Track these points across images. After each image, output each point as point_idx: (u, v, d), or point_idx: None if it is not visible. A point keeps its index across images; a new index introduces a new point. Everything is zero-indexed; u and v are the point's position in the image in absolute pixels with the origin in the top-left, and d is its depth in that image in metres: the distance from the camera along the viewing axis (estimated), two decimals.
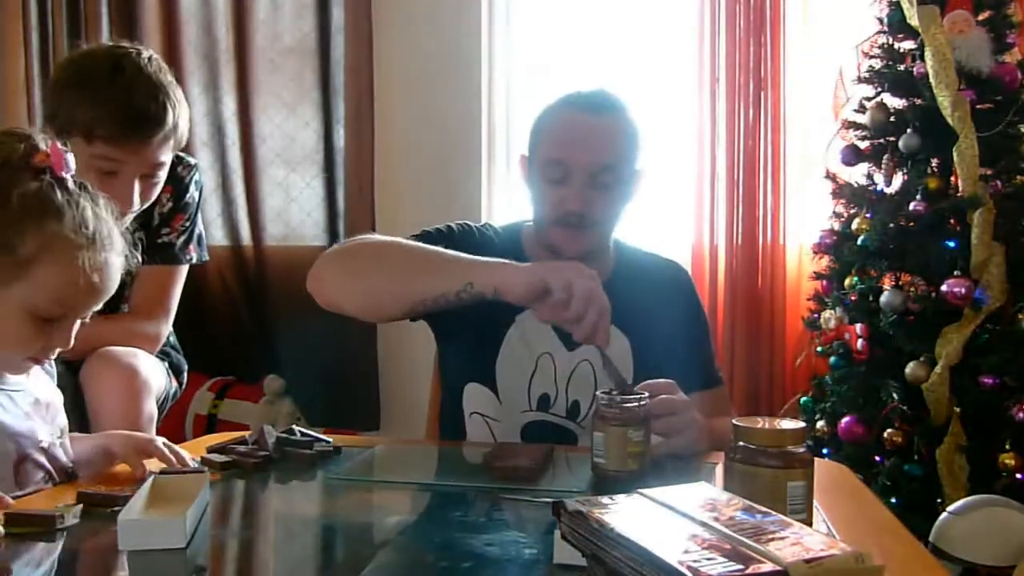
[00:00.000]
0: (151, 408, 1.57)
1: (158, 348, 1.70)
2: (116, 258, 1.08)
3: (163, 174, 1.55)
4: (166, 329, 1.70)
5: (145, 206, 1.57)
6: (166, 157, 1.52)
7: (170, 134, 1.49)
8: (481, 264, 1.22)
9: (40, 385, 1.15)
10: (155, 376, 1.61)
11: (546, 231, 1.43)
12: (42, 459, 1.10)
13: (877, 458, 2.13)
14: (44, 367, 1.17)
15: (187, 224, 1.73)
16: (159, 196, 1.63)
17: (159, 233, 1.70)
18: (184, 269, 1.75)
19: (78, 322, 1.08)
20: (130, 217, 1.32)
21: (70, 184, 1.05)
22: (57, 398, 1.18)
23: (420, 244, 1.32)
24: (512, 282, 1.18)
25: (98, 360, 1.53)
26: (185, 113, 1.53)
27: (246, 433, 1.28)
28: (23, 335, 1.04)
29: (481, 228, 1.50)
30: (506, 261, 1.22)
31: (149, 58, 1.51)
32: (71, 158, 1.07)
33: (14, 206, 1.00)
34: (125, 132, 1.44)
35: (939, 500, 2.02)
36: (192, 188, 1.71)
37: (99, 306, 1.09)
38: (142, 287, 1.68)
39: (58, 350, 1.08)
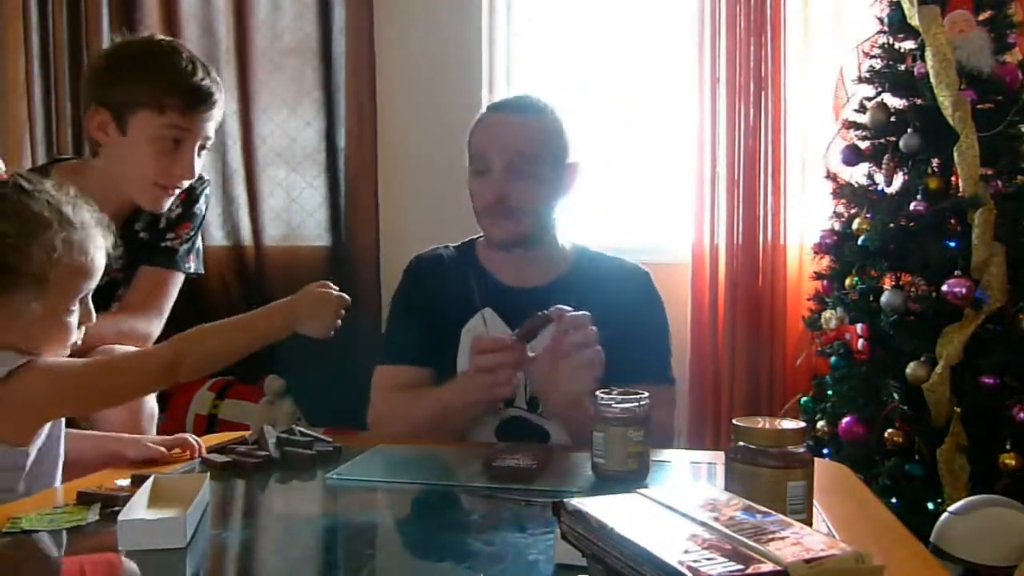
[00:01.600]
0: (152, 406, 1.58)
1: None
2: (97, 232, 1.17)
3: (209, 144, 1.65)
4: (157, 330, 1.73)
5: (195, 177, 1.65)
6: (213, 131, 1.63)
7: (222, 107, 1.62)
8: (461, 398, 1.40)
9: None
10: None
11: (480, 223, 1.54)
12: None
13: (877, 458, 2.12)
14: None
15: (191, 233, 1.77)
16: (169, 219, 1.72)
17: (164, 237, 1.74)
18: (180, 277, 1.78)
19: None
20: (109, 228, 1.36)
21: (25, 184, 1.12)
22: None
23: (428, 406, 1.45)
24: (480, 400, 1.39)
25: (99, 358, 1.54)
26: (224, 92, 1.64)
27: (246, 433, 1.28)
28: (63, 328, 1.14)
29: (427, 256, 1.62)
30: (460, 381, 1.41)
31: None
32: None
33: None
34: (194, 102, 1.56)
35: (939, 500, 2.01)
36: (202, 200, 1.78)
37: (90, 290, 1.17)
38: (139, 286, 1.71)
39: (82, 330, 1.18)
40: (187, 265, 1.78)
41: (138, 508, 0.91)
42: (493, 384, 1.32)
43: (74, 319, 1.16)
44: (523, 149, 1.47)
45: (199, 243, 1.82)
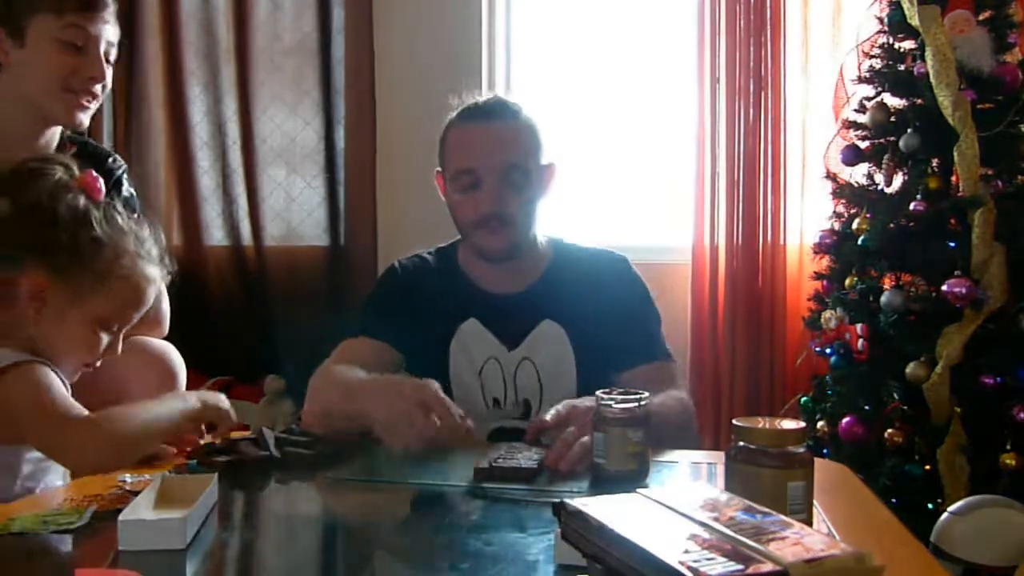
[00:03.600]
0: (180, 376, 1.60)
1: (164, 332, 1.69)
2: (158, 270, 1.20)
3: (113, 57, 1.58)
4: (167, 317, 1.69)
5: (102, 100, 1.58)
6: (116, 38, 1.56)
7: (116, 21, 1.56)
8: (364, 401, 1.31)
9: None
10: (183, 365, 1.64)
11: (470, 237, 1.51)
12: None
13: (877, 458, 2.12)
14: None
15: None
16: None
17: None
18: None
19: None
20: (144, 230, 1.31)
21: (118, 205, 1.16)
22: None
23: (343, 385, 1.39)
24: (373, 409, 1.28)
25: (132, 349, 1.54)
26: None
27: (244, 433, 1.28)
28: (92, 344, 1.14)
29: (408, 263, 1.60)
30: (378, 391, 1.31)
31: None
32: (100, 180, 1.17)
33: (64, 218, 1.10)
34: (90, 3, 1.50)
35: (940, 500, 2.01)
36: (125, 183, 1.70)
37: (140, 315, 1.19)
38: None
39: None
40: None
41: (142, 508, 0.91)
42: (393, 431, 1.23)
43: (101, 344, 1.15)
44: (513, 160, 1.46)
45: None
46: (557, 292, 1.50)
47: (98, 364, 1.18)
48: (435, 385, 1.25)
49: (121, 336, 1.17)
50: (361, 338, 1.52)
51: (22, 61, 1.50)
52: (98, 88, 1.54)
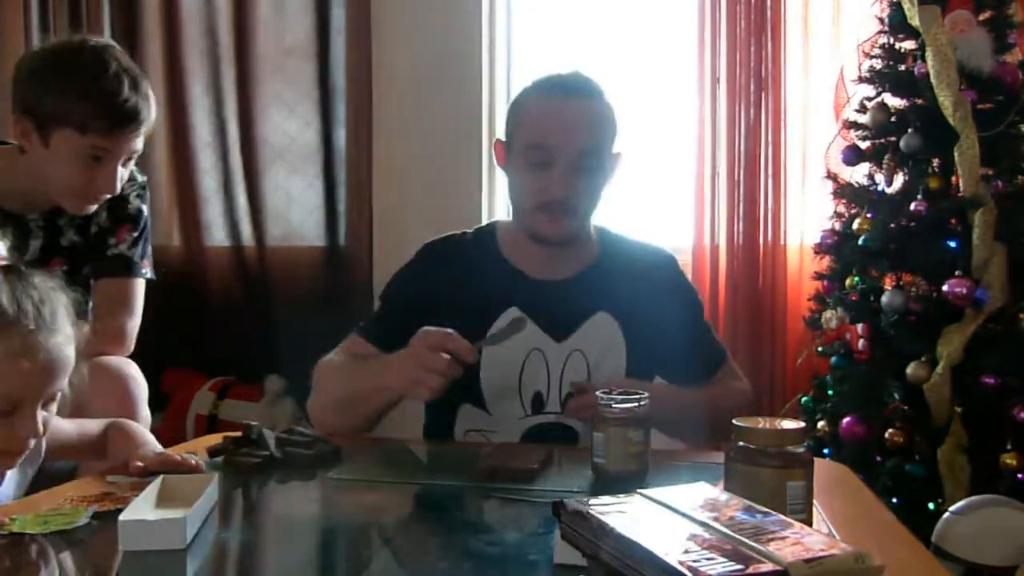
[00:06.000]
0: (146, 413, 1.57)
1: (127, 350, 1.69)
2: (58, 335, 1.02)
3: (132, 161, 1.62)
4: (130, 343, 1.69)
5: (118, 191, 1.61)
6: (142, 144, 1.59)
7: (149, 124, 1.58)
8: (379, 376, 1.31)
9: None
10: (144, 382, 1.63)
11: (527, 218, 1.42)
12: None
13: (878, 458, 2.12)
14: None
15: (135, 235, 1.73)
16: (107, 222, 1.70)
17: (106, 243, 1.71)
18: (141, 284, 1.74)
19: (48, 405, 1.04)
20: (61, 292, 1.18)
21: (24, 272, 1.02)
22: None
23: (347, 372, 1.40)
24: (389, 377, 1.28)
25: (92, 369, 1.52)
26: (154, 103, 1.61)
27: (237, 434, 1.27)
28: None
29: (442, 245, 1.51)
30: (389, 359, 1.30)
31: (120, 52, 1.59)
32: (0, 246, 1.08)
33: None
34: (117, 125, 1.52)
35: (940, 500, 2.01)
36: (134, 202, 1.73)
37: (60, 385, 1.04)
38: (103, 298, 1.68)
39: (31, 440, 1.03)
40: (143, 270, 1.74)
41: (143, 508, 0.91)
42: (416, 381, 1.22)
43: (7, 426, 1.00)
44: (590, 143, 1.37)
45: (149, 248, 1.78)
46: (610, 283, 1.42)
47: (26, 448, 1.03)
48: (431, 329, 1.24)
49: (37, 414, 1.01)
50: (360, 340, 1.47)
51: (43, 157, 1.54)
52: (106, 196, 1.59)
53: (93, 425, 1.26)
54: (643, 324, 1.42)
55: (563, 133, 1.36)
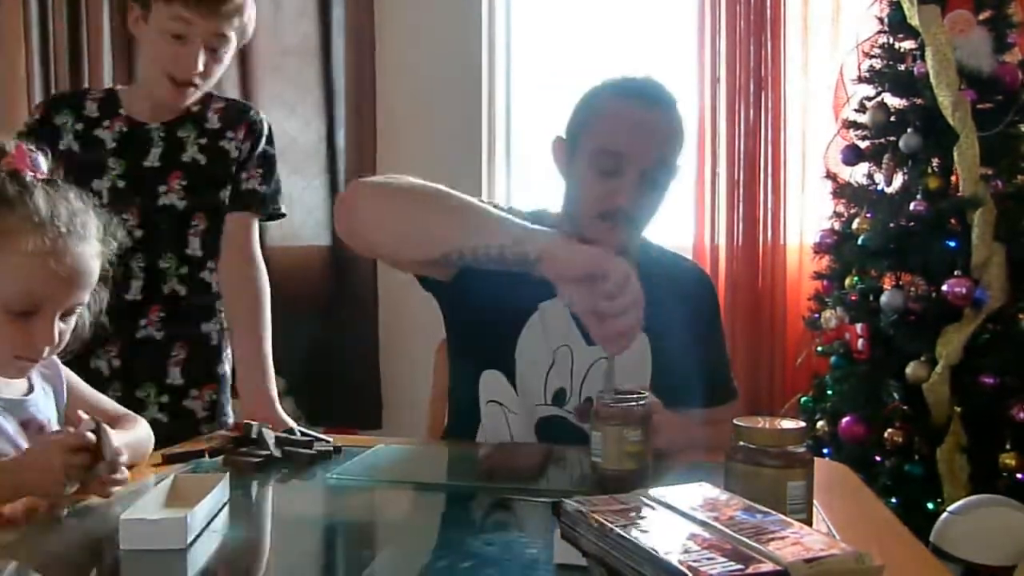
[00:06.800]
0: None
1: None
2: (87, 246, 1.05)
3: (227, 54, 1.58)
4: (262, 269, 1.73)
5: (207, 86, 1.60)
6: (231, 32, 1.56)
7: (241, 8, 1.55)
8: (528, 228, 1.14)
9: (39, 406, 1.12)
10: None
11: (585, 223, 1.35)
12: None
13: (877, 458, 2.12)
14: (38, 371, 1.13)
15: (266, 173, 1.74)
16: (235, 139, 1.66)
17: (240, 178, 1.69)
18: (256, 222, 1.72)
19: (67, 318, 1.06)
20: (96, 223, 1.17)
21: (27, 177, 1.04)
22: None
23: (464, 196, 1.23)
24: (564, 255, 1.09)
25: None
26: (252, 4, 1.59)
27: (237, 434, 1.27)
28: (1, 332, 1.02)
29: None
30: (554, 232, 1.14)
31: None
32: (40, 159, 1.07)
33: None
34: None
35: (939, 500, 2.01)
36: (264, 131, 1.73)
37: (80, 298, 1.06)
38: (235, 232, 1.68)
39: (46, 348, 1.04)
40: (277, 207, 1.76)
41: (149, 506, 0.91)
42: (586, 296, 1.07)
43: (16, 328, 1.01)
44: (663, 156, 1.32)
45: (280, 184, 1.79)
46: (645, 297, 1.41)
47: (41, 355, 1.05)
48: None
49: (55, 321, 1.02)
50: None
51: (144, 38, 1.57)
52: (197, 79, 1.56)
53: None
54: (671, 341, 1.38)
55: (639, 143, 1.30)
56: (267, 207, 1.73)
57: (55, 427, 1.14)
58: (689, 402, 1.31)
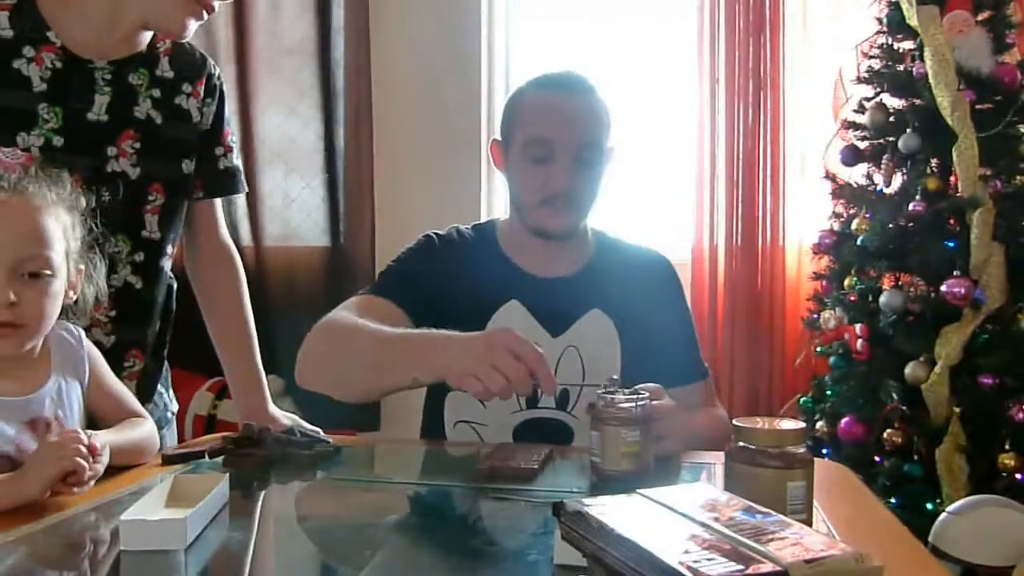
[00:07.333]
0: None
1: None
2: (41, 205, 1.06)
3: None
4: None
5: (202, 21, 1.35)
6: None
7: None
8: (427, 352, 1.16)
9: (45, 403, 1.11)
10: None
11: (530, 213, 1.42)
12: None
13: (877, 458, 2.13)
14: (59, 354, 1.12)
15: (233, 140, 1.55)
16: (194, 95, 1.43)
17: (214, 154, 1.50)
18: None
19: (33, 281, 1.04)
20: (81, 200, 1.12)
21: None
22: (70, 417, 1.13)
23: (377, 333, 1.23)
24: (458, 367, 1.09)
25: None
26: None
27: (237, 434, 1.27)
28: None
29: (446, 236, 1.49)
30: (451, 338, 1.14)
31: None
32: None
33: None
34: None
35: (939, 500, 2.02)
36: (223, 94, 1.52)
37: (34, 257, 1.04)
38: (211, 215, 1.55)
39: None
40: (243, 185, 1.59)
41: (148, 507, 0.91)
42: (480, 375, 1.06)
43: None
44: (590, 136, 1.38)
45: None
46: (605, 282, 1.43)
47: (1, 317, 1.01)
48: (520, 337, 1.09)
49: (7, 277, 1.01)
50: (377, 298, 1.36)
51: None
52: (217, 3, 1.31)
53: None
54: (637, 323, 1.43)
55: (564, 127, 1.38)
56: (244, 184, 1.57)
57: (76, 415, 1.13)
58: (661, 383, 1.33)
